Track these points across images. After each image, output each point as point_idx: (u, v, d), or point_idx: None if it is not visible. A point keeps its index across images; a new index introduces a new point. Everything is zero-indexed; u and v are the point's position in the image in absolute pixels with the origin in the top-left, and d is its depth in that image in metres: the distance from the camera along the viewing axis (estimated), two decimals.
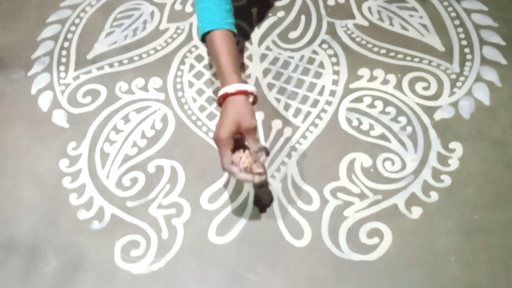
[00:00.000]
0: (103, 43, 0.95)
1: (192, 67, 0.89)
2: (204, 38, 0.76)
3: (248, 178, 0.64)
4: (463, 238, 0.68)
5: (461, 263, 0.66)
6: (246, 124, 0.65)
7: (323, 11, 0.95)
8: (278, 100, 0.84)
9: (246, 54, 0.90)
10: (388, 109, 0.81)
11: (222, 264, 0.69)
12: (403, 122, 0.79)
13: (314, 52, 0.89)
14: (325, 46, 0.90)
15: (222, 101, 0.69)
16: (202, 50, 0.91)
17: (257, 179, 0.65)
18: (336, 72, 0.86)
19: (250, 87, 0.69)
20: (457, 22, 0.91)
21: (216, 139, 0.65)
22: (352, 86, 0.84)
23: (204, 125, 0.82)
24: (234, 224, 0.72)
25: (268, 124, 0.81)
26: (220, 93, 0.69)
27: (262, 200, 0.72)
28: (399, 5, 0.94)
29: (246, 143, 0.67)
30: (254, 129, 0.66)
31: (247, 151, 0.66)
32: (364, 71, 0.86)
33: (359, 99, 0.83)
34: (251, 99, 0.70)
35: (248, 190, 0.75)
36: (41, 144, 0.83)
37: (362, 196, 0.73)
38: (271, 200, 0.72)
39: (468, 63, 0.85)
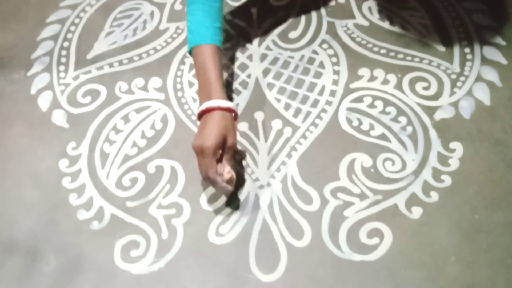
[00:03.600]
0: (103, 43, 0.95)
1: (192, 67, 0.89)
2: (190, 50, 0.77)
3: (228, 188, 0.69)
4: (463, 238, 0.68)
5: (461, 263, 0.66)
6: (231, 141, 0.69)
7: (323, 11, 0.95)
8: (278, 100, 0.83)
9: (246, 54, 0.90)
10: (388, 109, 0.81)
11: (222, 264, 0.69)
12: (403, 122, 0.79)
13: (314, 52, 0.89)
14: (325, 46, 0.90)
15: (205, 112, 0.70)
16: None
17: (231, 189, 0.70)
18: (336, 72, 0.86)
19: (235, 106, 0.73)
20: (457, 22, 0.91)
21: (201, 148, 0.67)
22: (352, 86, 0.84)
23: None
24: (234, 224, 0.72)
25: (268, 124, 0.81)
26: (208, 105, 0.70)
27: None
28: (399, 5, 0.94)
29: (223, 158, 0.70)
30: (234, 148, 0.70)
31: (225, 163, 0.69)
32: (364, 71, 0.86)
33: (359, 99, 0.83)
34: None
35: (248, 190, 0.75)
36: (40, 144, 0.82)
37: (362, 196, 0.73)
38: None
39: (468, 63, 0.85)
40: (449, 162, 0.75)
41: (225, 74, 0.87)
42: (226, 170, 0.68)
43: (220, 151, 0.69)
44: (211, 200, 0.74)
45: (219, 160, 0.69)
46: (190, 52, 0.77)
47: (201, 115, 0.71)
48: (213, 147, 0.67)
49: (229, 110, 0.71)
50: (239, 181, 0.74)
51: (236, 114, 0.73)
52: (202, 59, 0.74)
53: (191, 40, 0.76)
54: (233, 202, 0.74)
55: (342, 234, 0.70)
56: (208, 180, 0.68)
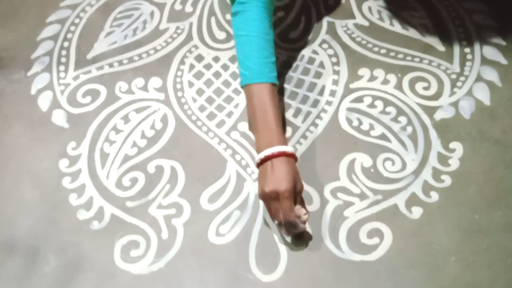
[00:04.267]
0: (103, 43, 0.95)
1: (192, 67, 0.89)
2: (243, 85, 0.74)
3: (304, 228, 0.67)
4: (463, 238, 0.68)
5: (461, 263, 0.66)
6: (300, 186, 0.68)
7: (323, 11, 0.95)
8: (278, 100, 0.83)
9: None
10: (388, 109, 0.81)
11: (222, 264, 0.69)
12: (403, 122, 0.79)
13: (314, 52, 0.89)
14: (325, 46, 0.90)
15: (270, 158, 0.67)
16: (202, 50, 0.91)
17: (305, 228, 0.69)
18: (336, 72, 0.86)
19: (295, 151, 0.73)
20: (457, 22, 0.91)
21: (278, 192, 0.65)
22: (352, 86, 0.84)
23: (204, 125, 0.82)
24: (234, 224, 0.72)
25: None
26: (274, 150, 0.67)
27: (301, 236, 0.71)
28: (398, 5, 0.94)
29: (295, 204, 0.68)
30: (302, 192, 0.69)
31: (300, 206, 0.68)
32: (364, 71, 0.86)
33: (359, 99, 0.82)
34: None
35: (248, 190, 0.75)
36: (40, 144, 0.82)
37: (362, 196, 0.73)
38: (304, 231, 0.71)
39: (468, 63, 0.85)
40: (449, 162, 0.75)
41: (225, 74, 0.87)
42: (303, 212, 0.67)
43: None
44: (211, 200, 0.74)
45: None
46: (242, 87, 0.74)
47: (264, 160, 0.68)
48: (290, 191, 0.65)
49: (293, 156, 0.69)
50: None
51: (297, 159, 0.71)
52: (260, 99, 0.71)
53: (246, 76, 0.73)
54: (233, 202, 0.74)
55: (342, 234, 0.70)
56: (287, 225, 0.66)
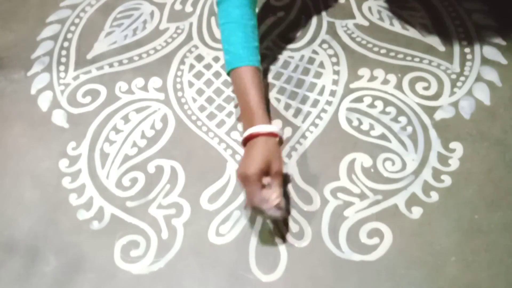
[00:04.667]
0: (103, 43, 0.95)
1: (192, 67, 0.89)
2: (229, 72, 0.75)
3: (277, 215, 0.65)
4: (463, 238, 0.68)
5: (461, 263, 0.66)
6: (277, 167, 0.66)
7: (323, 11, 0.95)
8: (278, 100, 0.83)
9: None
10: (388, 109, 0.81)
11: (222, 264, 0.69)
12: (403, 122, 0.79)
13: (314, 52, 0.89)
14: (325, 46, 0.90)
15: (249, 139, 0.68)
16: (202, 50, 0.91)
17: (281, 214, 0.66)
18: (336, 72, 0.86)
19: (279, 130, 0.70)
20: (457, 22, 0.91)
21: (244, 175, 0.64)
22: (352, 86, 0.84)
23: (204, 125, 0.82)
24: (234, 224, 0.72)
25: None
26: (251, 131, 0.68)
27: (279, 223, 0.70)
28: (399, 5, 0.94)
29: (268, 185, 0.66)
30: (281, 173, 0.67)
31: (276, 189, 0.66)
32: (364, 71, 0.86)
33: (359, 99, 0.82)
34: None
35: None
36: (40, 144, 0.83)
37: (362, 196, 0.73)
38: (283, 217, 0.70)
39: (468, 63, 0.85)
40: (449, 162, 0.75)
41: (225, 74, 0.87)
42: (274, 196, 0.64)
43: (267, 178, 0.66)
44: (211, 200, 0.74)
45: (269, 187, 0.66)
46: (229, 74, 0.75)
47: (245, 142, 0.69)
48: (256, 174, 0.64)
49: (272, 135, 0.68)
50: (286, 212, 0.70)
51: (281, 139, 0.70)
52: (241, 82, 0.72)
53: (229, 62, 0.74)
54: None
55: (342, 234, 0.70)
56: (253, 209, 0.65)
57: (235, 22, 0.75)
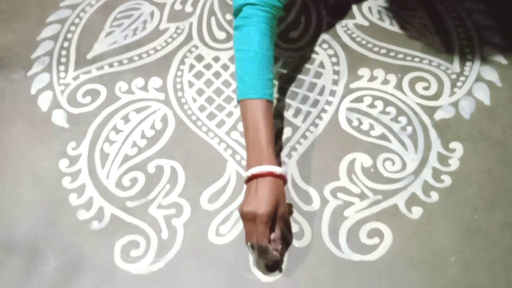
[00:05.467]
0: (103, 43, 0.95)
1: (192, 67, 0.89)
2: (239, 100, 0.73)
3: (277, 257, 0.66)
4: (463, 238, 0.68)
5: (461, 263, 0.66)
6: (283, 209, 0.66)
7: (323, 11, 0.95)
8: (278, 100, 0.83)
9: None
10: (388, 109, 0.81)
11: (222, 264, 0.69)
12: (403, 122, 0.79)
13: (314, 52, 0.89)
14: (325, 46, 0.90)
15: (256, 177, 0.66)
16: (202, 50, 0.91)
17: (279, 257, 0.67)
18: (336, 72, 0.86)
19: (285, 173, 0.69)
20: (457, 22, 0.91)
21: (255, 215, 0.63)
22: (352, 86, 0.84)
23: (204, 125, 0.82)
24: (234, 224, 0.72)
25: None
26: (262, 169, 0.66)
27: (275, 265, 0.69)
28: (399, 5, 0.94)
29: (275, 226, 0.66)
30: (285, 216, 0.68)
31: (278, 232, 0.66)
32: (364, 71, 0.86)
33: (359, 99, 0.82)
34: None
35: None
36: (40, 144, 0.82)
37: (362, 196, 0.73)
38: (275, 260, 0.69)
39: (468, 63, 0.85)
40: (449, 162, 0.75)
41: (226, 74, 0.87)
42: (278, 241, 0.65)
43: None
44: (211, 200, 0.74)
45: (271, 229, 0.65)
46: (238, 102, 0.73)
47: (251, 178, 0.67)
48: (268, 215, 0.63)
49: (281, 177, 0.67)
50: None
51: (286, 181, 0.69)
52: (253, 116, 0.69)
53: (242, 91, 0.72)
54: (233, 202, 0.74)
55: (342, 234, 0.70)
56: (259, 249, 0.64)
57: (253, 51, 0.72)
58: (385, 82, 0.84)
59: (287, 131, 0.80)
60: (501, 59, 0.85)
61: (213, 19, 0.96)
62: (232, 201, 0.74)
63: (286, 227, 0.70)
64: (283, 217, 0.67)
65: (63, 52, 0.94)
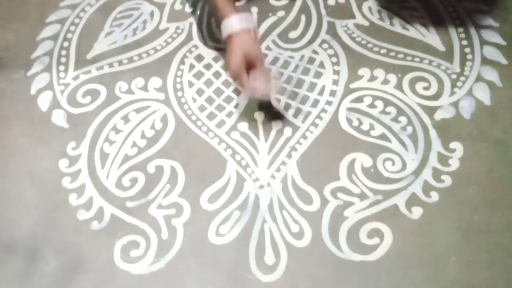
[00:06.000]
0: (102, 43, 0.95)
1: (192, 67, 0.89)
2: None
3: (267, 97, 0.77)
4: (463, 238, 0.68)
5: (461, 263, 0.66)
6: (254, 52, 0.74)
7: (323, 11, 0.95)
8: (278, 100, 0.83)
9: None
10: (388, 109, 0.81)
11: (222, 265, 0.69)
12: (403, 122, 0.79)
13: (314, 52, 0.89)
14: (325, 46, 0.90)
15: (226, 40, 0.76)
16: (202, 50, 0.91)
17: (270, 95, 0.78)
18: (337, 72, 0.86)
19: (251, 24, 0.77)
20: (457, 22, 0.91)
21: (230, 72, 0.75)
22: (352, 86, 0.84)
23: (204, 125, 0.82)
24: (234, 224, 0.72)
25: (268, 124, 0.81)
26: (226, 30, 0.76)
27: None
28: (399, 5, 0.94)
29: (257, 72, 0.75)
30: (261, 55, 0.76)
31: (260, 77, 0.74)
32: (364, 71, 0.86)
33: (359, 99, 0.82)
34: None
35: (248, 190, 0.75)
36: (40, 144, 0.82)
37: (362, 196, 0.73)
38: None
39: (468, 63, 0.85)
40: (449, 162, 0.75)
41: (225, 74, 0.87)
42: (258, 84, 0.73)
43: (245, 67, 0.74)
44: (211, 200, 0.74)
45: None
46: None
47: (225, 41, 0.77)
48: (237, 66, 0.73)
49: (244, 31, 0.75)
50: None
51: (254, 31, 0.76)
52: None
53: None
54: (233, 202, 0.74)
55: (342, 234, 0.70)
56: (249, 91, 0.74)
57: None
58: (385, 82, 0.84)
59: (287, 131, 0.80)
60: (501, 59, 0.85)
61: (213, 19, 0.96)
62: (232, 201, 0.74)
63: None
64: (258, 59, 0.75)
65: (63, 52, 0.94)
